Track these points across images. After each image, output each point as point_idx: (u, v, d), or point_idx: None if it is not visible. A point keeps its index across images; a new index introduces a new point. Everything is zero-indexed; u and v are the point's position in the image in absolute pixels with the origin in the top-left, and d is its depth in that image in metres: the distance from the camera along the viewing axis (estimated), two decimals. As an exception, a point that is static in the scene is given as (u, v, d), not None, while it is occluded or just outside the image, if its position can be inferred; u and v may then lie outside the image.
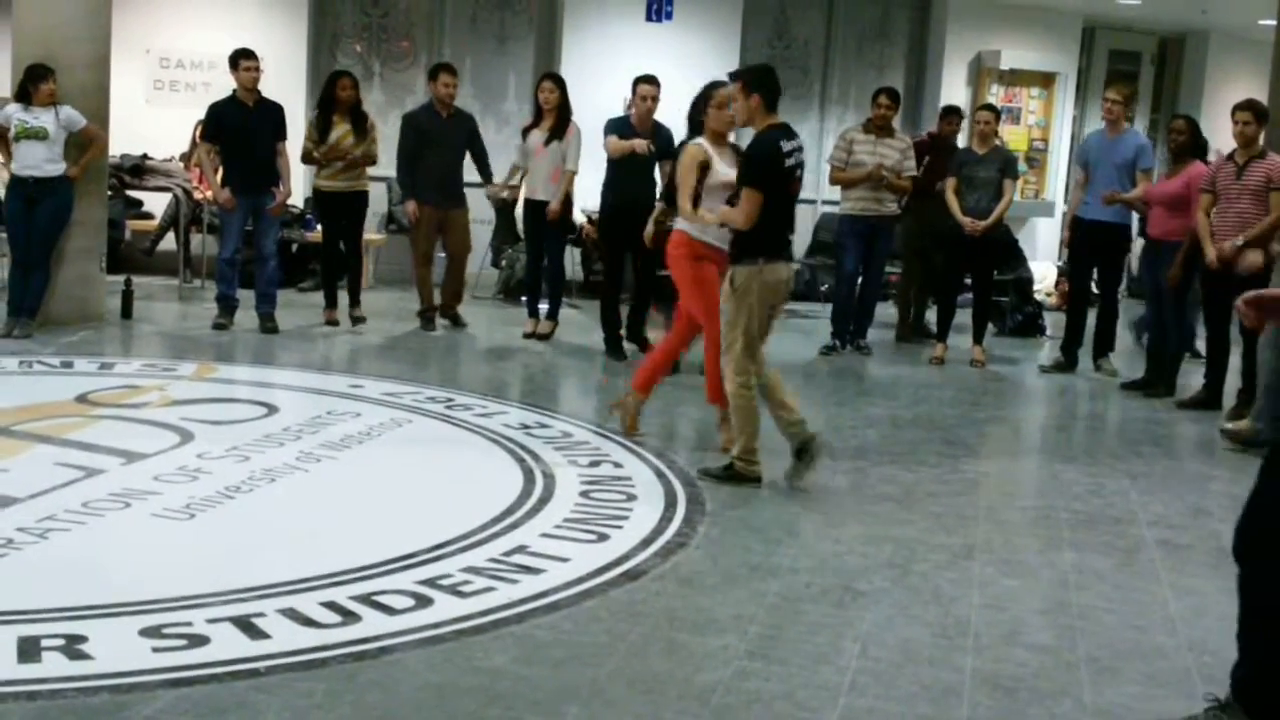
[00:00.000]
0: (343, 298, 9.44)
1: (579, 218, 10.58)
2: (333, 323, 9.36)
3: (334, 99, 9.27)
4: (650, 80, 8.58)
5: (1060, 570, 4.80)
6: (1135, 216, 9.36)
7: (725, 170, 6.07)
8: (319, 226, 11.33)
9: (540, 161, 9.12)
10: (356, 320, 9.31)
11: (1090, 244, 8.96)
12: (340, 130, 9.22)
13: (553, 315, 9.42)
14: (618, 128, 8.56)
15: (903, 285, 10.52)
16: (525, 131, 9.32)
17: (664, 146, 8.40)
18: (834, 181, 9.65)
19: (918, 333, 10.32)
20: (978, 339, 9.47)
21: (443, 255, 9.59)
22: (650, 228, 7.41)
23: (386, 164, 10.21)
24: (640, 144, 8.34)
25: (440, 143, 9.31)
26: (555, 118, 9.10)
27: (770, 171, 5.60)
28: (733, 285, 5.62)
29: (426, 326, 9.43)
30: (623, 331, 8.76)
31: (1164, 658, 3.98)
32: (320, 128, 9.27)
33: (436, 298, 9.54)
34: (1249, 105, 7.74)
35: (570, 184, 9.16)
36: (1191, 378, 8.52)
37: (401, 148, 9.34)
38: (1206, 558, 5.06)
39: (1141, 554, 5.06)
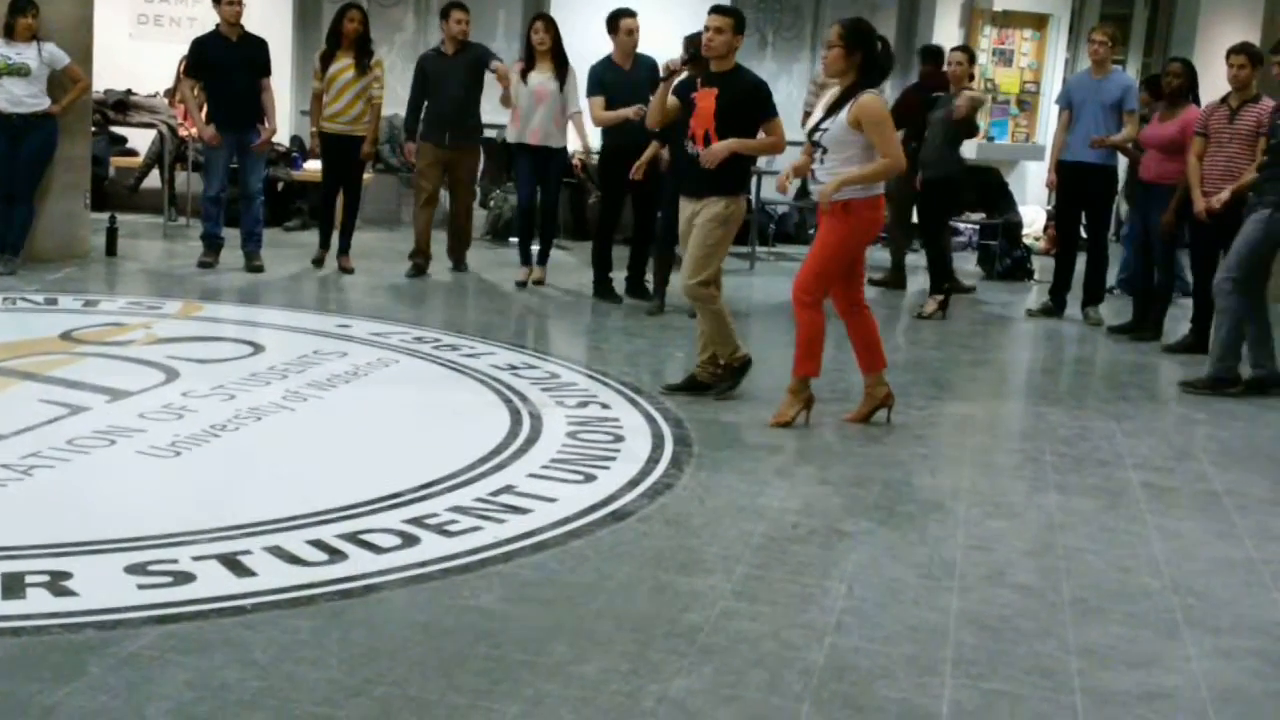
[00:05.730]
0: (333, 243, 9.31)
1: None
2: (318, 262, 9.22)
3: (340, 32, 9.00)
4: (630, 14, 8.40)
5: (1046, 512, 4.82)
6: (1121, 159, 9.30)
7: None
8: (306, 165, 11.29)
9: (542, 106, 8.79)
10: (344, 270, 9.10)
11: (1075, 187, 8.91)
12: (340, 64, 8.96)
13: (543, 260, 9.18)
14: (599, 76, 8.33)
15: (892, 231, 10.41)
16: (524, 74, 8.90)
17: (650, 78, 7.95)
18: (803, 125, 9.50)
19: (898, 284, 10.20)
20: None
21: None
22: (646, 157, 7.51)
23: (387, 104, 9.89)
24: (628, 112, 8.00)
25: (447, 81, 9.01)
26: (553, 60, 8.85)
27: None
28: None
29: (415, 273, 9.13)
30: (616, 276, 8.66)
31: (1148, 598, 4.00)
32: (324, 61, 9.05)
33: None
34: (1243, 48, 7.68)
35: (583, 124, 8.93)
36: (1179, 322, 8.53)
37: (412, 92, 9.10)
38: (1191, 500, 5.09)
39: (1127, 496, 5.07)
